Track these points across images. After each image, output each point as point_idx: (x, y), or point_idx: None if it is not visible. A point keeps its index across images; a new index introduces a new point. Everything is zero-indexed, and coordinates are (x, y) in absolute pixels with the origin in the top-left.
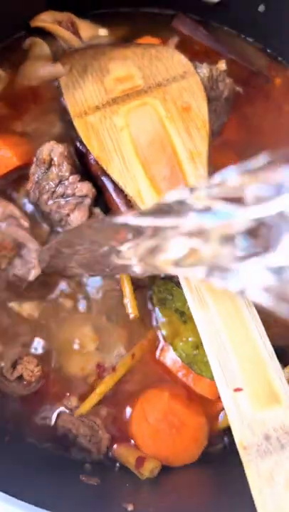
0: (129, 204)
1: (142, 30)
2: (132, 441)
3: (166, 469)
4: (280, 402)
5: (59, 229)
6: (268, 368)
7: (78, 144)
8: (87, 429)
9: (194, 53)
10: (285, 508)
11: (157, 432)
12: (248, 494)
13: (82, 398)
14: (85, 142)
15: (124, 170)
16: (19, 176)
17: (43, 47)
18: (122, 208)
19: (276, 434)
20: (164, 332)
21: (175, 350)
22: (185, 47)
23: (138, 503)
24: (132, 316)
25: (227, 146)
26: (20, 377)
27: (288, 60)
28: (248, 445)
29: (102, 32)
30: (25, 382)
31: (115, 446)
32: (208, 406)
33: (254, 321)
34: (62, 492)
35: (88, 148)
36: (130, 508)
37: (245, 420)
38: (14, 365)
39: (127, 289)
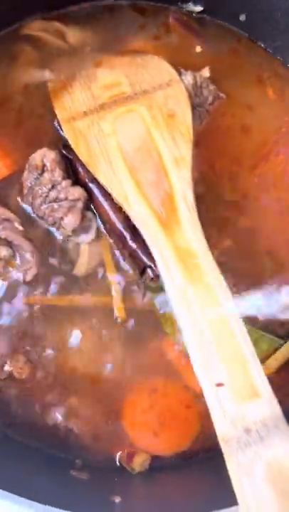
0: (117, 209)
1: (130, 34)
2: (125, 434)
3: (159, 466)
4: (260, 396)
5: (54, 231)
6: (248, 363)
7: (64, 152)
8: (87, 426)
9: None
10: (263, 498)
11: (147, 421)
12: None
13: (82, 398)
14: (73, 147)
15: (111, 175)
16: (12, 181)
17: (31, 53)
18: (110, 213)
19: (256, 427)
20: (168, 331)
21: (177, 343)
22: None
23: (126, 496)
24: (118, 320)
25: None
26: (12, 376)
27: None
28: (229, 438)
29: (90, 38)
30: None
31: (112, 444)
32: None
33: (234, 318)
34: (52, 486)
35: (76, 153)
36: (117, 500)
37: (226, 414)
38: (3, 365)
39: (115, 292)
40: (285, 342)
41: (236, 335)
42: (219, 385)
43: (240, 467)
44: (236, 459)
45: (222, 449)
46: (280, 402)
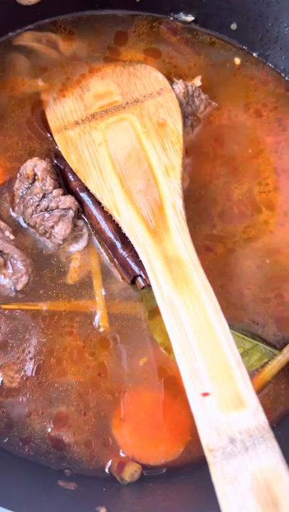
0: (107, 217)
1: (122, 43)
2: (115, 444)
3: (147, 477)
4: (245, 406)
5: (45, 240)
6: (235, 373)
7: (56, 161)
8: (77, 435)
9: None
10: (248, 509)
11: (137, 430)
12: None
13: (72, 407)
14: (64, 156)
15: (101, 183)
16: (3, 190)
17: (24, 63)
18: (101, 221)
19: (241, 436)
20: (158, 340)
21: (171, 354)
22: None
23: (112, 506)
24: (101, 329)
25: None
26: (2, 384)
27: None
28: (214, 448)
29: (83, 48)
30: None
31: (102, 453)
32: None
33: (222, 328)
34: (37, 496)
35: (67, 161)
36: (103, 510)
37: (211, 424)
38: None
39: (100, 300)
40: (280, 351)
41: (223, 344)
42: (205, 394)
43: (225, 477)
44: (221, 469)
45: (207, 458)
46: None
